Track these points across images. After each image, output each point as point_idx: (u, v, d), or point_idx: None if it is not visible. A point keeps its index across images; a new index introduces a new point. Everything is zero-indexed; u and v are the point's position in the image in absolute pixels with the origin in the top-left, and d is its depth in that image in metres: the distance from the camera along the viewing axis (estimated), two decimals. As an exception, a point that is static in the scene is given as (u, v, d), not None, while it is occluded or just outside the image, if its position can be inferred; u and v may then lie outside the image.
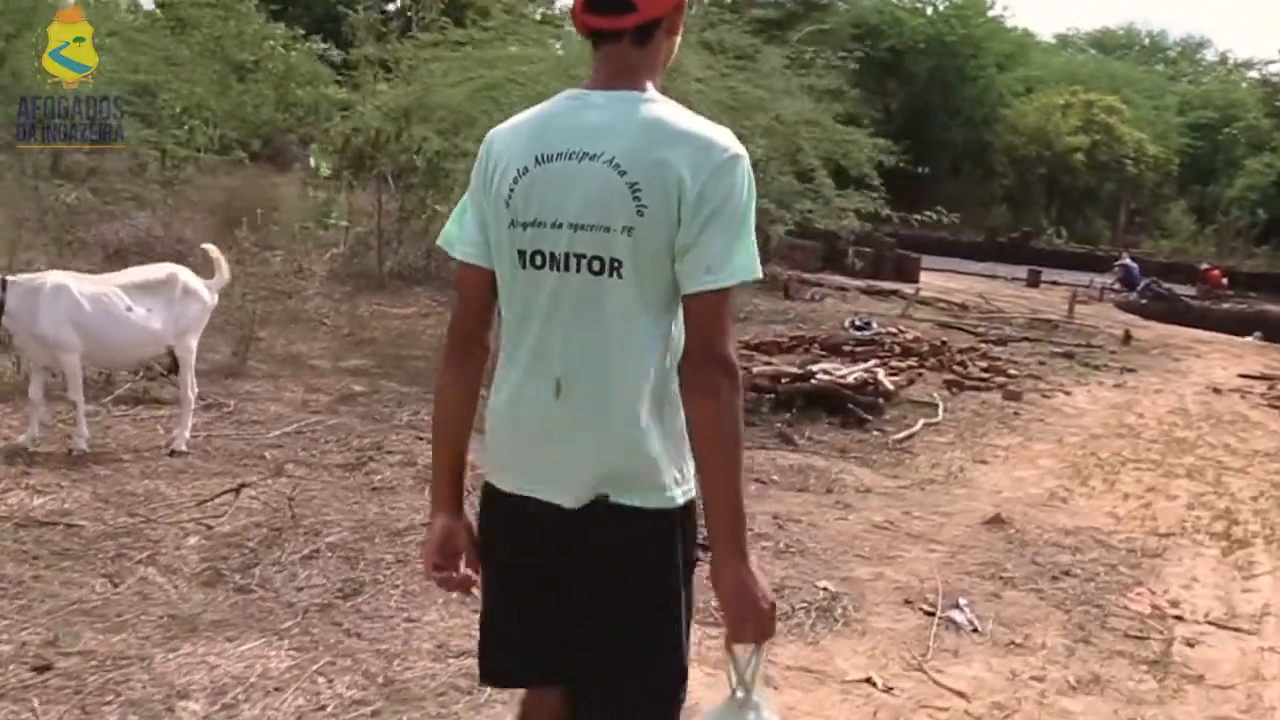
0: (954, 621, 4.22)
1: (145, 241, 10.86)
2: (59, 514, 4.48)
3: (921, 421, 7.99)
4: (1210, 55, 54.25)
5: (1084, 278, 23.69)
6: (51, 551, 4.08)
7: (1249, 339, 16.96)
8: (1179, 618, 4.56)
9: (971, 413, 8.73)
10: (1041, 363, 11.84)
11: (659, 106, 1.78)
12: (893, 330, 11.64)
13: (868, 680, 3.64)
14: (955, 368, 10.40)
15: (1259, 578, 5.23)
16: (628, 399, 1.77)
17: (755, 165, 1.92)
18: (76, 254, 9.29)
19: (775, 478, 6.17)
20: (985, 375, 10.31)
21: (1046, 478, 6.89)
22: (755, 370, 8.63)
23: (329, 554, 4.27)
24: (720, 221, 1.72)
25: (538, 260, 1.79)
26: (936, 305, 16.71)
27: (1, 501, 4.57)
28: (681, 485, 1.82)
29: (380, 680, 3.34)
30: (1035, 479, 6.84)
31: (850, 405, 8.00)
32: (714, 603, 1.92)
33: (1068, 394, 10.15)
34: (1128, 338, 14.71)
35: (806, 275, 17.62)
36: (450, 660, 3.49)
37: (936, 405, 8.63)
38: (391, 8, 19.41)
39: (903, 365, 9.97)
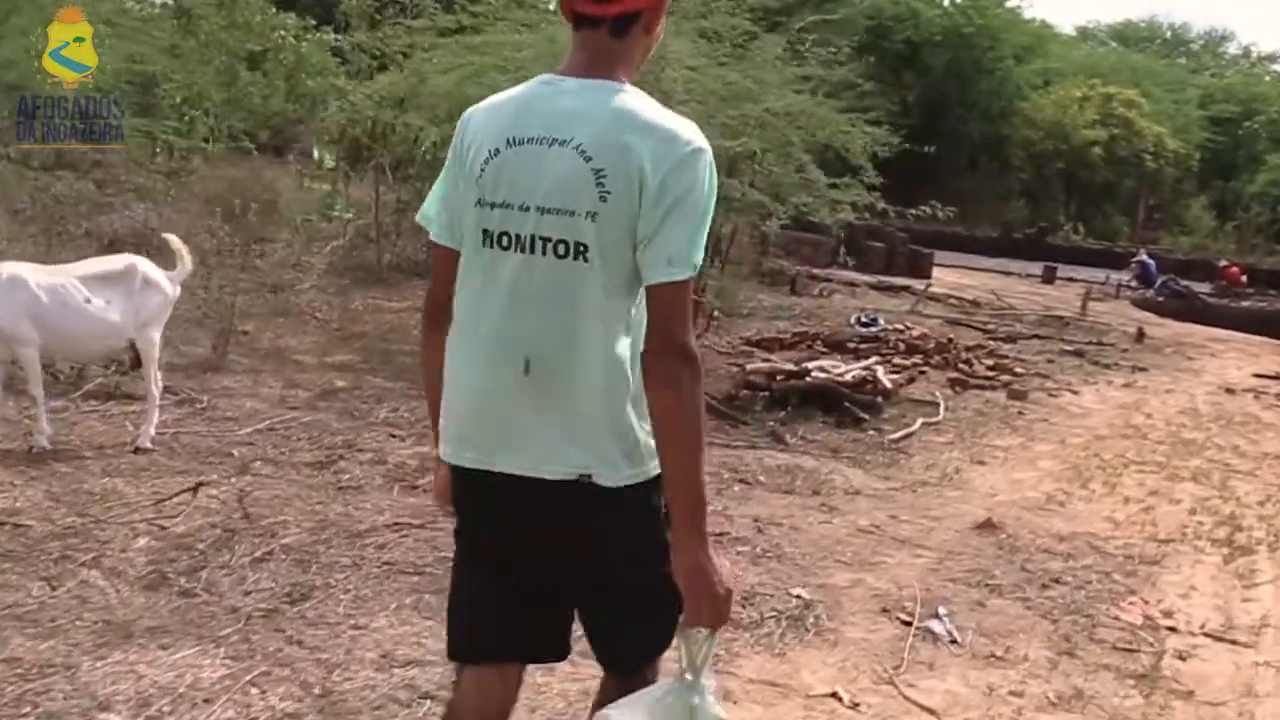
0: (932, 632, 4.03)
1: (141, 233, 10.71)
2: (7, 513, 4.34)
3: (920, 421, 7.77)
4: (1233, 48, 53.79)
5: (1101, 274, 23.31)
6: (-7, 553, 3.93)
7: None
8: (1172, 629, 4.36)
9: (974, 412, 8.51)
10: (1050, 361, 11.57)
11: (630, 97, 1.85)
12: (899, 327, 11.42)
13: (833, 695, 3.46)
14: (960, 366, 10.16)
15: (1260, 587, 5.01)
16: (595, 378, 1.84)
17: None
18: (65, 245, 9.14)
19: (761, 478, 5.97)
20: (991, 374, 10.05)
21: (1045, 480, 6.67)
22: (750, 367, 8.45)
23: (282, 556, 4.12)
24: (682, 213, 1.78)
25: (504, 241, 1.86)
26: (947, 301, 16.44)
27: (-50, 500, 4.44)
28: (653, 459, 1.88)
29: (317, 691, 3.19)
30: (1033, 481, 6.62)
31: (847, 404, 7.79)
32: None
33: (1075, 393, 9.89)
34: (1141, 336, 14.41)
35: (815, 270, 17.33)
36: (394, 670, 3.34)
37: (938, 404, 8.41)
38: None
39: (906, 363, 9.75)
